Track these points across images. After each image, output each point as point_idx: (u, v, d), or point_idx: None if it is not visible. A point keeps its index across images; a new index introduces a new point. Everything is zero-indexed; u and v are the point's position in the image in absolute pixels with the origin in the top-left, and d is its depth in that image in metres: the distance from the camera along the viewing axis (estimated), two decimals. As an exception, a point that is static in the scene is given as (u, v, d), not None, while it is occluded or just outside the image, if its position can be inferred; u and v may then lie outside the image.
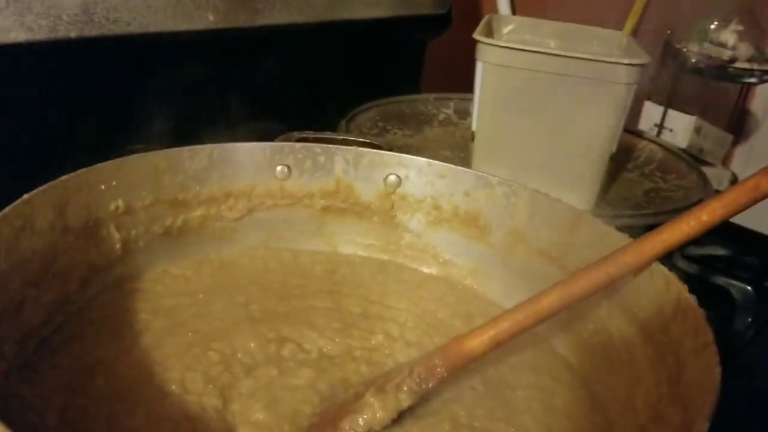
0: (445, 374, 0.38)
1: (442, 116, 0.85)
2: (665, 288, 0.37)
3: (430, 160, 0.49)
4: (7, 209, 0.35)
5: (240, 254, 0.49)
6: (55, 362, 0.37)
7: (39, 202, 0.37)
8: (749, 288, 0.60)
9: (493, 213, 0.48)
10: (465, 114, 0.81)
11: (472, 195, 0.48)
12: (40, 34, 0.56)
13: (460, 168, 0.48)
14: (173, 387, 0.37)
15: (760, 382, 0.56)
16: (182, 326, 0.42)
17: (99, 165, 0.41)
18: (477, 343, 0.38)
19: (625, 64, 0.59)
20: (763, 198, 0.35)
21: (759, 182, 0.35)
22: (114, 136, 0.58)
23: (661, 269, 0.37)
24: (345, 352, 0.42)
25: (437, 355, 0.38)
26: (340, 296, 0.47)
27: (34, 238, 0.37)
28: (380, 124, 0.78)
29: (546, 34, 0.73)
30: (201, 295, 0.45)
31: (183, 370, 0.38)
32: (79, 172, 0.40)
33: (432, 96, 0.87)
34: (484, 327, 0.38)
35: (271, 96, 0.73)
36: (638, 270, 0.38)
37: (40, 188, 0.37)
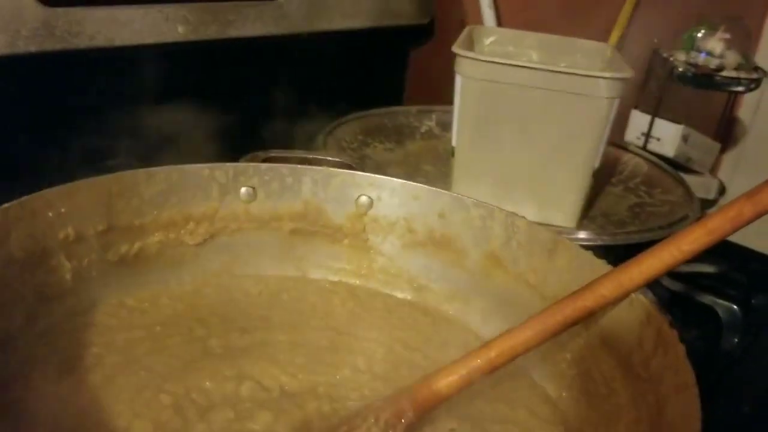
0: (413, 419, 0.36)
1: (424, 129, 0.83)
2: (646, 320, 0.35)
3: (404, 181, 0.47)
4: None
5: (202, 282, 0.47)
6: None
7: (-24, 233, 0.34)
8: (735, 307, 0.58)
9: (469, 236, 0.45)
10: (448, 126, 0.79)
11: (448, 217, 0.46)
12: (-1, 48, 0.54)
13: (434, 189, 0.46)
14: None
15: (747, 405, 0.54)
16: (135, 363, 0.39)
17: (45, 191, 0.38)
18: (447, 383, 0.36)
19: (607, 78, 0.57)
20: (745, 224, 0.34)
21: (741, 209, 0.33)
22: (76, 154, 0.56)
23: (642, 300, 0.35)
24: (307, 389, 0.39)
25: (405, 397, 0.36)
26: (307, 328, 0.44)
27: (-29, 272, 0.34)
28: (360, 137, 0.76)
29: (529, 46, 0.71)
30: (158, 328, 0.42)
31: (131, 417, 0.35)
32: (22, 199, 0.37)
33: (414, 108, 0.85)
34: (454, 365, 0.36)
35: (246, 110, 0.71)
36: (616, 302, 0.35)
37: (-23, 218, 0.35)
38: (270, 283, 0.48)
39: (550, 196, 0.61)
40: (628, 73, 0.58)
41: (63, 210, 0.39)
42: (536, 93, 0.59)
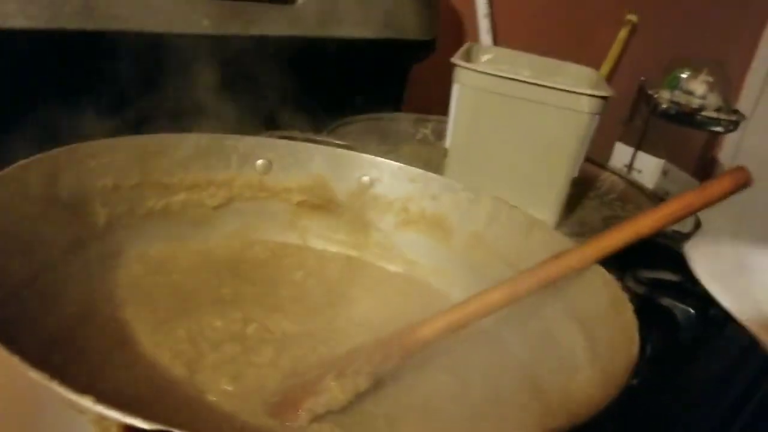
0: (399, 360, 0.41)
1: (419, 135, 0.89)
2: (604, 284, 0.40)
3: (402, 165, 0.53)
4: (3, 172, 0.37)
5: (216, 241, 0.52)
6: (33, 321, 0.39)
7: (34, 170, 0.39)
8: (692, 310, 0.64)
9: (457, 217, 0.51)
10: (441, 135, 0.85)
11: (439, 199, 0.52)
12: (40, 23, 0.59)
13: (429, 173, 0.52)
14: (143, 359, 0.39)
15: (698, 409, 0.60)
16: (155, 303, 0.44)
17: (92, 142, 0.44)
18: (430, 330, 0.41)
19: (589, 95, 0.64)
20: (693, 213, 0.40)
21: (692, 200, 0.40)
22: (105, 127, 0.61)
23: (600, 270, 0.41)
24: (306, 333, 0.44)
25: (393, 340, 0.41)
26: (307, 286, 0.50)
27: (27, 204, 0.39)
28: (360, 137, 0.82)
29: (521, 65, 0.78)
30: (175, 276, 0.47)
31: (152, 346, 0.40)
32: (72, 146, 0.43)
33: (412, 116, 0.91)
34: (436, 316, 0.41)
35: (257, 103, 0.77)
36: (579, 270, 0.41)
37: (35, 156, 0.40)
38: (276, 248, 0.53)
39: (531, 198, 0.66)
40: (608, 92, 0.64)
41: (104, 161, 0.45)
42: (526, 105, 0.65)
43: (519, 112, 0.66)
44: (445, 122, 0.77)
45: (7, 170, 0.38)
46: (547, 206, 0.67)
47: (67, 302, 0.41)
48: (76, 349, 0.39)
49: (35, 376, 0.24)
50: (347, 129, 0.82)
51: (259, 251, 0.53)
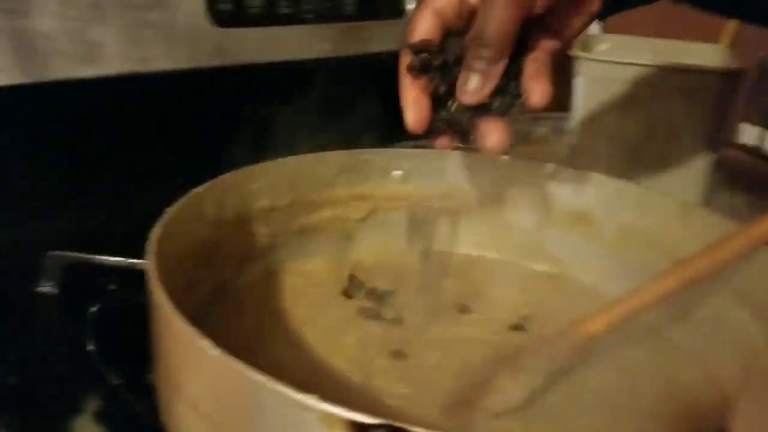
0: (569, 355, 0.41)
1: (536, 134, 0.88)
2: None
3: (540, 162, 0.53)
4: (183, 199, 0.41)
5: (364, 252, 0.54)
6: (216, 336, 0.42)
7: (206, 195, 0.43)
8: None
9: (602, 210, 0.51)
10: (559, 133, 0.84)
11: (581, 194, 0.51)
12: (181, 63, 0.64)
13: (568, 169, 0.52)
14: (320, 365, 0.41)
15: None
16: (319, 314, 0.46)
17: (249, 167, 0.47)
18: (598, 324, 0.41)
19: (720, 73, 0.62)
20: None
21: None
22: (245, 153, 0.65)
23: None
24: (466, 335, 0.45)
25: (560, 337, 0.41)
26: (458, 290, 0.50)
27: (203, 227, 0.42)
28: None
29: (641, 50, 0.76)
30: (333, 287, 0.49)
31: (325, 352, 0.42)
32: (234, 172, 0.46)
33: (528, 116, 0.90)
34: (603, 310, 0.41)
35: (374, 118, 0.79)
36: (748, 253, 0.40)
37: (206, 184, 0.43)
38: (420, 255, 0.54)
39: (670, 185, 0.65)
40: (740, 65, 0.62)
41: (261, 184, 0.47)
42: (653, 89, 0.63)
43: (646, 98, 0.64)
44: (562, 120, 0.76)
45: (184, 198, 0.41)
46: (689, 192, 0.65)
47: (244, 315, 0.44)
48: (259, 358, 0.41)
49: (259, 378, 0.26)
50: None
51: (405, 258, 0.54)
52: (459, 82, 0.39)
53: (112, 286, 0.52)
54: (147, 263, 0.33)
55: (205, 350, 0.27)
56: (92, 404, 0.43)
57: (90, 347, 0.46)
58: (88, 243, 0.53)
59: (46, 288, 0.52)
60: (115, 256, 0.50)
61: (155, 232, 0.36)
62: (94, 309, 0.48)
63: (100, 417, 0.42)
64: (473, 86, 0.38)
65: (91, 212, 0.61)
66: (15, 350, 0.47)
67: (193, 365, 0.29)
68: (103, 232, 0.58)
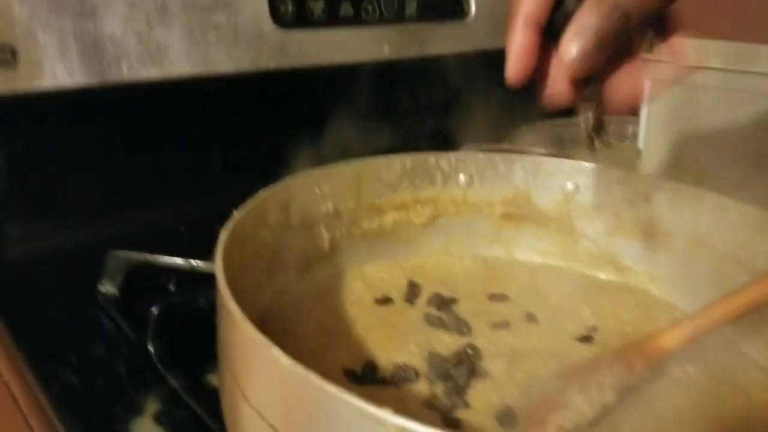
0: (642, 371, 0.39)
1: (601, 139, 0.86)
2: None
3: (610, 167, 0.51)
4: (248, 203, 0.40)
5: (425, 258, 0.53)
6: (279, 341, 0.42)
7: (271, 199, 0.42)
8: None
9: (675, 218, 0.49)
10: (623, 137, 0.82)
11: (653, 201, 0.49)
12: (244, 66, 0.64)
13: (640, 174, 0.50)
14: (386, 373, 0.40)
15: None
16: (382, 320, 0.46)
17: (313, 170, 0.46)
18: (673, 338, 0.39)
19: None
20: None
21: None
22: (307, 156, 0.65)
23: None
24: (532, 346, 0.44)
25: (634, 351, 0.39)
26: (522, 299, 0.49)
27: (267, 231, 0.42)
28: (535, 146, 0.80)
29: (712, 54, 0.73)
30: (395, 292, 0.49)
31: (387, 362, 0.41)
32: (298, 174, 0.45)
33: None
34: (679, 324, 0.39)
35: (434, 120, 0.78)
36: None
37: (271, 187, 0.43)
38: (484, 262, 0.53)
39: (747, 193, 0.62)
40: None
41: (325, 188, 0.47)
42: (724, 94, 0.61)
43: (718, 104, 0.62)
44: (625, 123, 0.74)
45: (249, 202, 0.41)
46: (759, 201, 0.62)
47: (307, 321, 0.43)
48: (325, 366, 0.40)
49: (332, 390, 0.25)
50: (523, 139, 0.81)
51: (469, 266, 0.53)
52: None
53: (173, 287, 0.52)
54: (215, 267, 0.33)
55: (276, 359, 0.27)
56: (152, 406, 0.43)
57: (150, 348, 0.47)
58: (150, 244, 0.53)
59: (108, 288, 0.53)
60: (176, 257, 0.50)
61: (223, 236, 0.36)
62: (155, 310, 0.48)
63: (159, 419, 0.42)
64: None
65: (154, 213, 0.62)
66: (76, 351, 0.48)
67: (262, 373, 0.29)
68: (166, 233, 0.58)
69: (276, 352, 0.27)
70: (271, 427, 0.28)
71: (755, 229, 0.45)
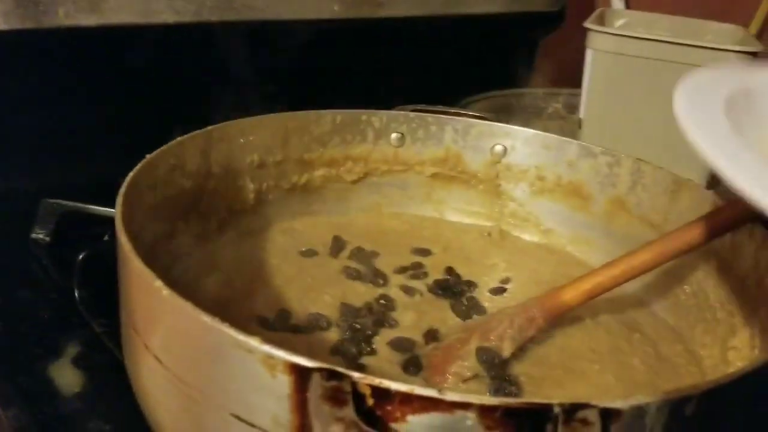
0: (543, 324, 0.40)
1: (550, 110, 0.87)
2: (762, 245, 0.38)
3: (536, 131, 0.52)
4: (163, 147, 0.41)
5: (355, 215, 0.54)
6: (195, 284, 0.42)
7: (189, 146, 0.43)
8: None
9: (596, 182, 0.50)
10: (574, 108, 0.83)
11: (576, 165, 0.51)
12: (186, 17, 0.64)
13: (564, 139, 0.51)
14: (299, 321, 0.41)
15: None
16: (303, 272, 0.46)
17: (239, 120, 0.47)
18: (573, 295, 0.40)
19: (737, 51, 0.60)
20: None
21: None
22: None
23: (760, 229, 0.39)
24: (446, 299, 0.45)
25: (535, 305, 0.40)
26: (446, 255, 0.50)
27: (184, 178, 0.43)
28: (488, 114, 0.81)
29: (659, 27, 0.74)
30: (320, 248, 0.49)
31: (302, 311, 0.42)
32: (222, 124, 0.46)
33: (541, 90, 0.89)
34: (579, 280, 0.40)
35: (381, 88, 0.78)
36: (733, 228, 0.39)
37: (190, 134, 0.43)
38: (413, 220, 0.54)
39: (678, 164, 0.63)
40: (757, 48, 0.60)
41: (251, 138, 0.47)
42: (666, 66, 0.62)
43: (659, 75, 0.63)
44: (577, 95, 0.74)
45: (166, 146, 0.41)
46: (697, 170, 0.63)
47: (223, 269, 0.44)
48: (232, 311, 0.41)
49: (205, 319, 0.26)
50: (476, 106, 0.82)
51: (397, 224, 0.54)
52: None
53: (107, 237, 0.52)
54: (116, 204, 0.33)
55: (159, 290, 0.27)
56: (72, 350, 0.44)
57: (76, 294, 0.47)
58: (85, 193, 0.53)
59: (39, 235, 0.53)
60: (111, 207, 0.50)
61: (129, 178, 0.36)
62: (81, 257, 0.49)
63: (78, 362, 0.43)
64: None
65: (89, 162, 0.62)
66: (2, 295, 0.48)
67: (150, 307, 0.29)
68: (101, 183, 0.58)
69: (158, 283, 0.27)
70: (156, 358, 0.29)
71: (669, 192, 0.46)
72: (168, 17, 0.62)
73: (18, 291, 0.50)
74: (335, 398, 0.23)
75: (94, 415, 0.39)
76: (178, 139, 0.42)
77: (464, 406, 0.23)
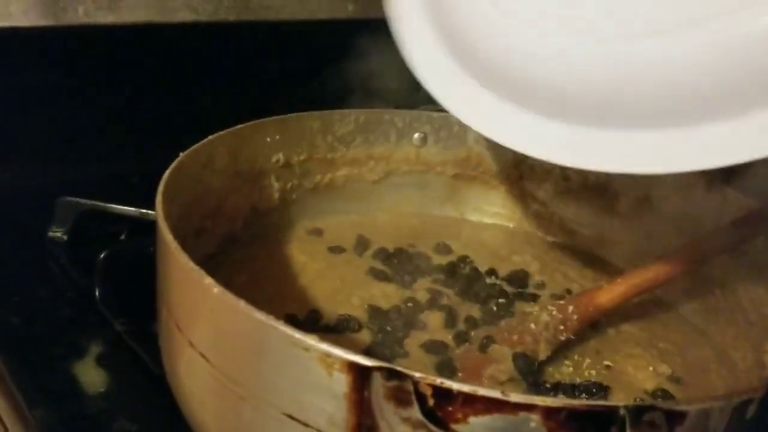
0: (577, 326, 0.40)
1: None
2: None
3: (562, 132, 0.52)
4: (194, 146, 0.40)
5: (376, 214, 0.53)
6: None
7: (219, 145, 0.42)
8: None
9: (622, 182, 0.49)
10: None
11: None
12: (204, 16, 0.63)
13: (590, 139, 0.51)
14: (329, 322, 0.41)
15: None
16: (331, 270, 0.46)
17: (265, 120, 0.46)
18: (609, 297, 0.40)
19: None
20: None
21: None
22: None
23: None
24: (473, 300, 0.45)
25: (569, 307, 0.40)
26: (468, 255, 0.50)
27: (213, 177, 0.42)
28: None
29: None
30: (345, 246, 0.49)
31: (332, 312, 0.42)
32: (249, 123, 0.45)
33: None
34: (615, 283, 0.40)
35: (400, 83, 0.78)
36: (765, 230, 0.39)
37: (220, 133, 0.43)
38: (433, 221, 0.54)
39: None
40: None
41: (276, 138, 0.47)
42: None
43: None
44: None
45: (198, 145, 0.41)
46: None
47: (250, 268, 0.44)
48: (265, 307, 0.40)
49: (261, 317, 0.25)
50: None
51: (418, 224, 0.53)
52: None
53: (123, 236, 0.52)
54: (156, 201, 0.33)
55: (209, 288, 0.27)
56: (94, 349, 0.43)
57: (96, 294, 0.47)
58: (104, 192, 0.53)
59: (57, 233, 0.52)
60: (128, 206, 0.50)
61: (166, 176, 0.36)
62: (102, 256, 0.48)
63: (101, 361, 0.42)
64: None
65: (107, 161, 0.61)
66: (21, 294, 0.48)
67: (197, 304, 0.29)
68: (118, 181, 0.58)
69: (209, 281, 0.27)
70: (202, 356, 0.28)
71: (698, 192, 0.46)
72: (185, 15, 0.61)
73: (36, 290, 0.49)
74: (399, 398, 0.23)
75: (119, 415, 0.39)
76: (209, 138, 0.41)
77: (528, 407, 0.23)
